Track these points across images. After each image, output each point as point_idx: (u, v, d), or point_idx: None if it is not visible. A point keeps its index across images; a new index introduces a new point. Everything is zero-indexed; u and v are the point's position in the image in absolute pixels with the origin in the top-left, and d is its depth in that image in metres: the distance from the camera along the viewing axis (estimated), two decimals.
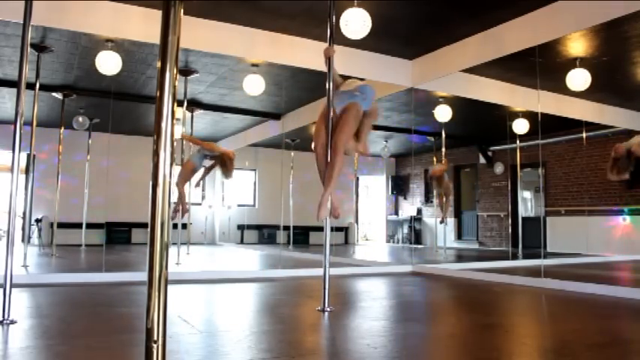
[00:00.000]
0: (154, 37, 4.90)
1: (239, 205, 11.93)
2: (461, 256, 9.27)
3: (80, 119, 7.87)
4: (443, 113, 7.89)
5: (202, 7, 5.10)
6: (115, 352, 2.38)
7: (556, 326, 3.29)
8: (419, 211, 12.34)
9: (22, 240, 6.98)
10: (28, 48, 3.17)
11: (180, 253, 7.34)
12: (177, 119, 7.14)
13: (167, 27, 1.50)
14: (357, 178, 12.12)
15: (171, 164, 1.48)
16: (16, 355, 2.27)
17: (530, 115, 7.45)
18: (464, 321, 3.48)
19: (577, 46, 5.76)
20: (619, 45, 5.80)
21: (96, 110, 8.06)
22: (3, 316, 2.86)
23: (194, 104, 8.25)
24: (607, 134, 8.37)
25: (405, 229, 12.62)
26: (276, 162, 10.14)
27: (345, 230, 12.57)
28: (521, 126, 8.00)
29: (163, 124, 1.47)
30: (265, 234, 11.80)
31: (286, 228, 10.29)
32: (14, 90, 3.38)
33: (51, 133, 7.61)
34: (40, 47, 5.78)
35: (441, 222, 9.65)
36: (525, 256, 8.06)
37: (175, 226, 7.64)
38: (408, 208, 12.68)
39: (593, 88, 6.14)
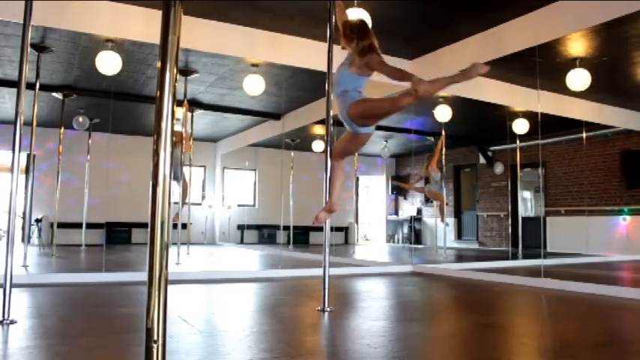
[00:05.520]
0: (154, 37, 4.90)
1: (239, 205, 11.93)
2: (461, 256, 9.27)
3: (80, 119, 7.87)
4: (443, 113, 7.89)
5: (202, 7, 5.10)
6: (115, 352, 2.38)
7: (556, 326, 3.29)
8: (419, 211, 12.34)
9: (22, 240, 6.98)
10: (28, 48, 3.17)
11: (180, 253, 7.33)
12: (177, 119, 7.14)
13: (167, 27, 1.50)
14: (357, 178, 12.12)
15: (171, 164, 1.48)
16: (16, 355, 2.27)
17: (530, 115, 7.45)
18: (464, 321, 3.48)
19: (577, 46, 5.75)
20: (619, 45, 5.80)
21: (96, 110, 8.06)
22: (3, 316, 2.86)
23: (194, 104, 8.25)
24: (607, 134, 8.38)
25: (405, 229, 12.62)
26: (276, 162, 10.14)
27: (345, 230, 12.56)
28: (521, 126, 8.00)
29: (163, 124, 1.48)
30: (265, 234, 11.80)
31: (286, 228, 10.29)
32: (14, 90, 3.39)
33: (51, 133, 7.60)
34: (40, 47, 5.78)
35: (446, 224, 9.78)
36: (525, 256, 8.05)
37: (175, 226, 7.64)
38: (408, 208, 12.69)
39: (593, 88, 6.15)
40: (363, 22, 3.29)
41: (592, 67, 6.02)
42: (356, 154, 10.20)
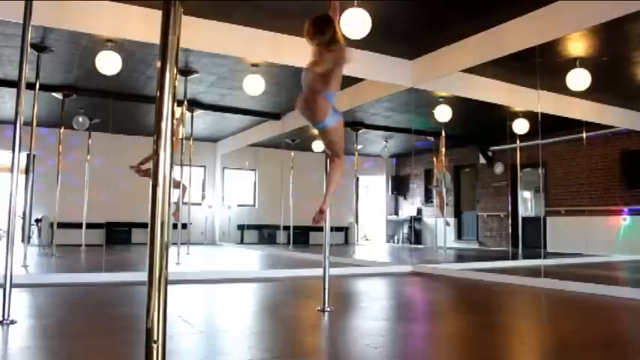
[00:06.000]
0: (154, 37, 4.89)
1: (239, 205, 11.93)
2: (461, 256, 9.27)
3: (80, 119, 7.86)
4: (443, 113, 7.89)
5: (202, 7, 5.10)
6: (115, 352, 2.38)
7: (556, 326, 3.29)
8: (419, 211, 12.34)
9: (22, 240, 6.97)
10: (28, 48, 3.17)
11: (180, 253, 7.33)
12: (177, 119, 7.14)
13: (167, 27, 1.50)
14: (357, 178, 12.13)
15: (171, 164, 1.48)
16: (16, 355, 2.27)
17: (530, 115, 7.45)
18: (464, 321, 3.48)
19: (577, 46, 5.75)
20: (619, 45, 5.80)
21: (96, 110, 8.05)
22: (3, 316, 2.86)
23: (194, 104, 8.25)
24: (607, 134, 8.38)
25: (405, 229, 12.63)
26: (276, 162, 10.14)
27: (345, 230, 12.56)
28: (521, 126, 8.00)
29: (163, 124, 1.47)
30: (265, 234, 11.79)
31: (286, 228, 10.29)
32: (14, 90, 3.39)
33: (51, 133, 7.60)
34: (40, 47, 5.78)
35: (447, 223, 9.88)
36: (525, 256, 8.06)
37: (175, 226, 7.64)
38: (408, 208, 12.69)
39: (593, 88, 6.14)
40: (321, 18, 3.24)
41: (592, 67, 6.01)
42: (356, 153, 10.23)
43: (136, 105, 8.30)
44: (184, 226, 8.01)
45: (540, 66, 5.78)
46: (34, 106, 5.48)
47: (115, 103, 7.34)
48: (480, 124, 9.59)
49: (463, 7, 5.11)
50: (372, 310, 3.75)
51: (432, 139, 9.70)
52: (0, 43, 5.81)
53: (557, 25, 4.92)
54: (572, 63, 6.02)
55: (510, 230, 9.08)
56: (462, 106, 7.77)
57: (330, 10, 3.55)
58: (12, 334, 2.67)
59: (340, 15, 4.68)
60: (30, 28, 3.18)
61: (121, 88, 7.37)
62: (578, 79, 6.04)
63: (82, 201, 7.58)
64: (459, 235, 11.31)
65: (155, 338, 1.41)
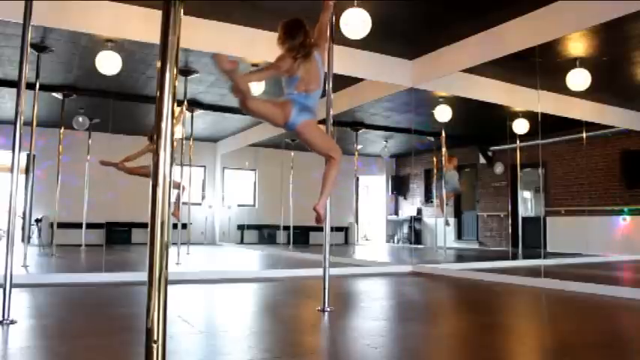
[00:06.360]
0: (154, 37, 4.89)
1: (239, 205, 11.93)
2: (461, 256, 9.27)
3: (80, 119, 7.86)
4: (443, 113, 7.89)
5: (202, 7, 5.10)
6: (115, 352, 2.38)
7: (556, 326, 3.29)
8: (419, 211, 12.34)
9: (22, 240, 6.97)
10: (28, 48, 3.17)
11: (180, 253, 7.33)
12: (175, 118, 7.14)
13: (167, 27, 1.50)
14: (357, 178, 12.13)
15: (171, 164, 1.48)
16: (16, 355, 2.27)
17: (530, 115, 7.45)
18: (464, 321, 3.48)
19: (577, 46, 5.75)
20: (619, 45, 5.80)
21: (96, 110, 8.05)
22: (3, 316, 2.86)
23: (194, 104, 8.24)
24: (607, 134, 8.38)
25: (405, 229, 12.62)
26: (276, 162, 10.13)
27: (345, 230, 12.56)
28: (521, 126, 8.00)
29: (163, 124, 1.48)
30: (265, 234, 11.79)
31: (286, 228, 10.29)
32: (14, 90, 3.39)
33: (51, 133, 7.60)
34: (40, 47, 5.78)
35: (447, 223, 9.88)
36: (525, 256, 8.05)
37: (175, 225, 7.64)
38: (408, 208, 12.68)
39: (593, 88, 6.14)
40: (293, 21, 3.21)
41: (592, 67, 6.01)
42: (356, 153, 10.23)
43: (136, 105, 8.29)
44: (184, 226, 8.01)
45: (540, 66, 5.78)
46: (34, 106, 5.48)
47: (115, 103, 7.34)
48: (480, 124, 9.59)
49: (463, 7, 5.11)
50: (372, 310, 3.75)
51: (431, 139, 9.70)
52: (0, 43, 5.80)
53: (557, 25, 4.92)
54: (572, 63, 6.02)
55: (510, 230, 9.08)
56: (462, 106, 7.77)
57: (323, 10, 3.52)
58: (12, 334, 2.67)
59: (339, 15, 4.69)
60: (30, 28, 3.18)
61: (121, 88, 7.37)
62: (578, 79, 6.04)
63: (82, 201, 7.58)
64: (459, 235, 11.31)
65: (155, 338, 1.41)
